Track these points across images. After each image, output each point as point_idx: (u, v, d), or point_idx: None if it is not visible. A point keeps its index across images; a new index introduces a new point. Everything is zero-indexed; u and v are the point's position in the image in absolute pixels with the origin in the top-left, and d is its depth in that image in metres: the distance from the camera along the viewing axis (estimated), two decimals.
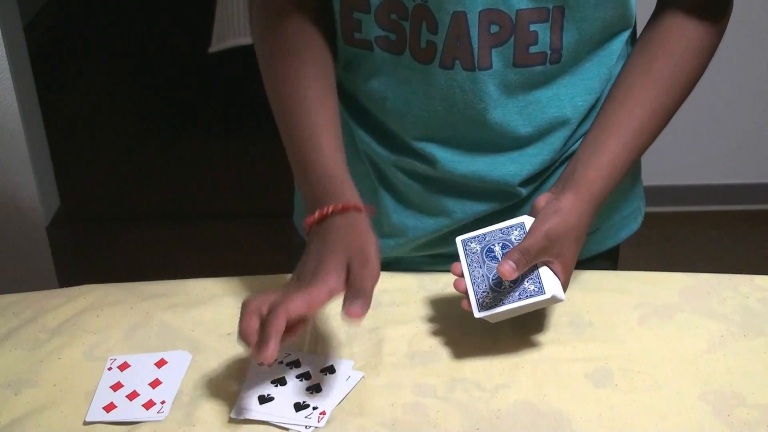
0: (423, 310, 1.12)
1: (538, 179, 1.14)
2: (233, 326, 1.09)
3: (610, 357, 1.04)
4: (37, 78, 2.85)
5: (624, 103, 1.07)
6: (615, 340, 1.06)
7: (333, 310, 1.10)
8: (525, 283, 1.00)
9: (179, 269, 2.77)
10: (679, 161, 2.92)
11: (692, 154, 2.91)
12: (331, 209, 1.00)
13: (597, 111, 1.11)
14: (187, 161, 3.39)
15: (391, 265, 1.18)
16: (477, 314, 1.00)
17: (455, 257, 1.05)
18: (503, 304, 1.00)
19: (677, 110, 1.09)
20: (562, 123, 1.10)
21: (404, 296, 1.14)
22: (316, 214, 1.00)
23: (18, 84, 2.44)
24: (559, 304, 1.10)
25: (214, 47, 2.80)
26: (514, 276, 0.97)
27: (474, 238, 1.04)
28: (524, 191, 1.13)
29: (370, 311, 1.10)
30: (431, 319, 1.11)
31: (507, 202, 1.13)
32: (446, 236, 1.13)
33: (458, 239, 1.05)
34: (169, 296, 1.15)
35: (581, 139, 1.11)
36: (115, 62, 4.09)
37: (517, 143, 1.10)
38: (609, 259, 1.24)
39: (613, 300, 1.12)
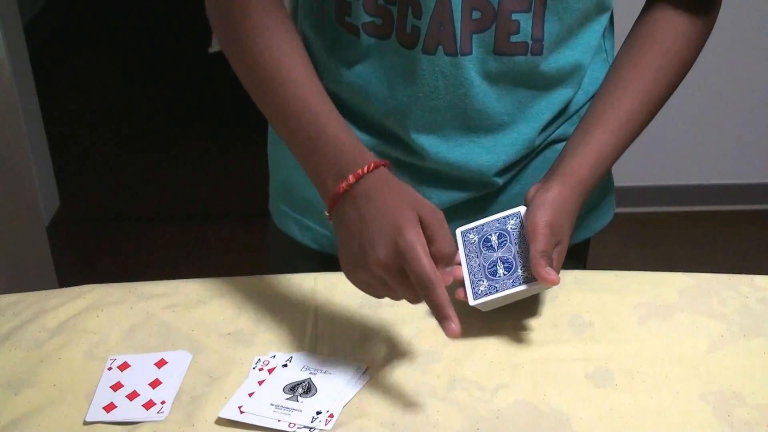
0: (423, 310, 1.12)
1: (513, 169, 1.17)
2: (233, 326, 1.10)
3: (610, 357, 1.04)
4: (37, 78, 2.85)
5: (612, 93, 1.10)
6: (615, 340, 1.06)
7: (334, 310, 1.10)
8: (519, 270, 1.01)
9: (179, 269, 2.78)
10: (678, 161, 2.92)
11: (692, 154, 2.91)
12: (366, 169, 0.96)
13: (573, 105, 1.15)
14: (187, 161, 3.39)
15: None
16: (472, 302, 1.02)
17: None
18: (498, 291, 1.01)
19: (665, 101, 1.12)
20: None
21: None
22: (350, 178, 0.96)
23: (18, 84, 2.44)
24: (559, 303, 1.10)
25: (214, 47, 2.81)
26: (558, 279, 0.97)
27: (472, 229, 1.06)
28: (500, 180, 1.16)
29: (369, 311, 1.11)
30: (431, 319, 1.10)
31: (483, 190, 1.16)
32: None
33: (458, 231, 1.07)
34: (169, 296, 1.15)
35: (556, 132, 1.15)
36: (115, 62, 4.09)
37: (495, 131, 1.12)
38: (579, 252, 1.26)
39: (613, 300, 1.12)
